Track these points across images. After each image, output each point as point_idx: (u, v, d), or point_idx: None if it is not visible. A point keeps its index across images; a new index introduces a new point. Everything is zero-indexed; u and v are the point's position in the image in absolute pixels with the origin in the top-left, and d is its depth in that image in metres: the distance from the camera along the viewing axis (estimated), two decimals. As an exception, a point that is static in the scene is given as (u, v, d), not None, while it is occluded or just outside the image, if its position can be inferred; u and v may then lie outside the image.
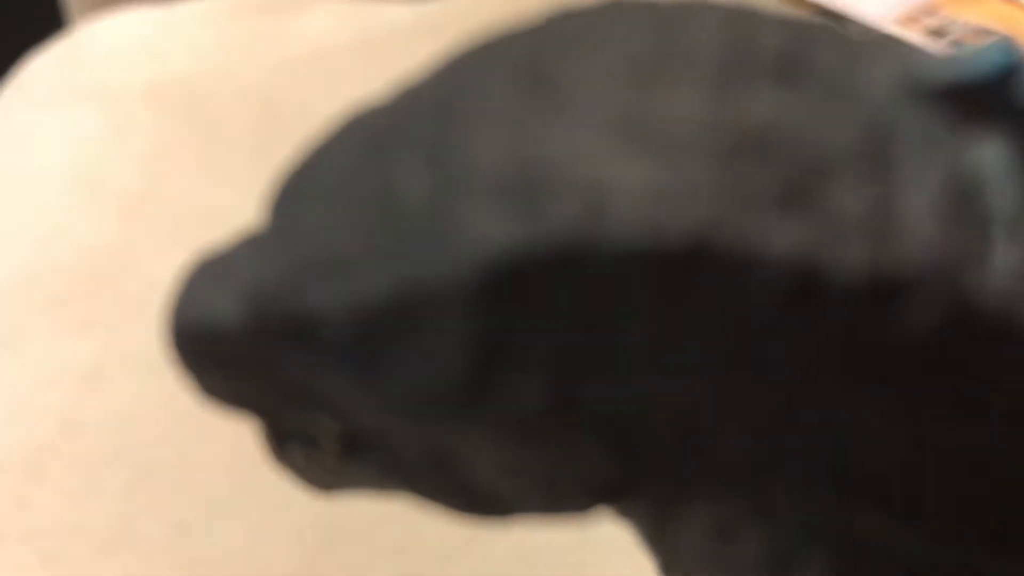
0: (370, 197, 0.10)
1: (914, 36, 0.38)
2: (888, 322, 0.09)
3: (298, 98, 0.40)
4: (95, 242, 0.34)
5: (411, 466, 0.11)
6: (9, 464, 0.27)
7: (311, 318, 0.10)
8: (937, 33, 0.39)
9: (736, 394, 0.10)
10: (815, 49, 0.10)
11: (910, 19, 0.39)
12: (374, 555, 0.27)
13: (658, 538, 0.12)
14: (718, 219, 0.09)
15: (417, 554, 0.27)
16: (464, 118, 0.10)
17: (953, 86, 0.09)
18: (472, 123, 0.10)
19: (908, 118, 0.09)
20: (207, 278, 0.11)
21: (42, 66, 0.40)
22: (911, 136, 0.09)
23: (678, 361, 0.10)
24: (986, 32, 0.38)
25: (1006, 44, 0.09)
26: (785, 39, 0.10)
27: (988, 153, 0.09)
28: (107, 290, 0.32)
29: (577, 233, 0.09)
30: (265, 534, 0.27)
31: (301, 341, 0.10)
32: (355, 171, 0.10)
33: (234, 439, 0.29)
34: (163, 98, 0.40)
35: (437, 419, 0.10)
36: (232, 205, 0.36)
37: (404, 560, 0.27)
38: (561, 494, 0.11)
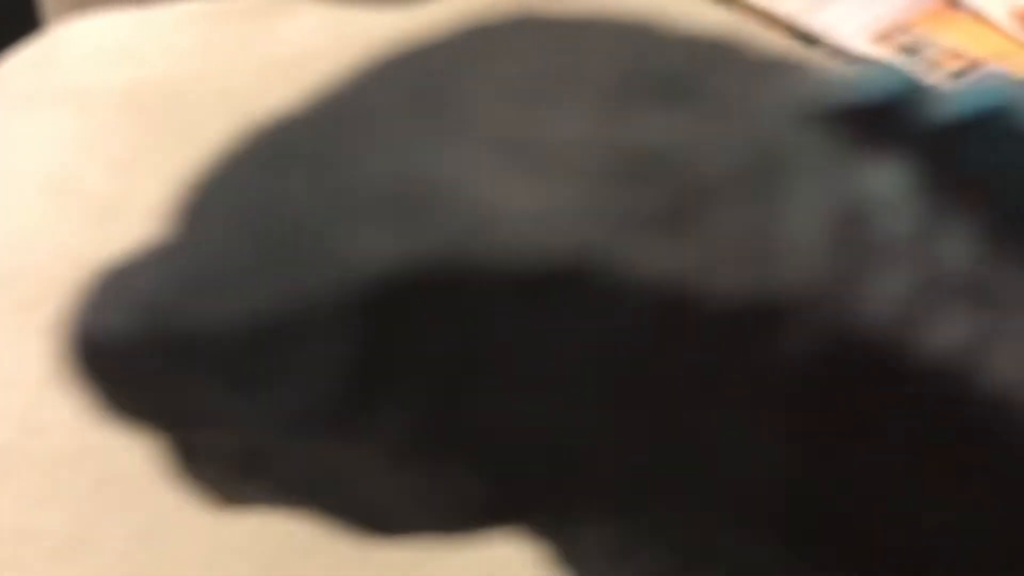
0: (265, 212, 0.10)
1: (888, 53, 0.38)
2: (767, 347, 0.09)
3: (277, 104, 0.40)
4: (69, 245, 0.34)
5: (302, 484, 0.11)
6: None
7: (198, 335, 0.10)
8: (910, 51, 0.39)
9: (614, 417, 0.10)
10: (711, 71, 0.10)
11: (884, 37, 0.39)
12: (336, 566, 0.27)
13: (561, 558, 0.12)
14: (595, 241, 0.09)
15: (379, 565, 0.27)
16: (358, 135, 0.10)
17: (849, 109, 0.09)
18: (364, 141, 0.10)
19: (800, 142, 0.09)
20: (107, 290, 0.11)
21: (16, 67, 0.40)
22: (801, 160, 0.09)
23: (553, 384, 0.10)
24: (957, 53, 0.39)
25: (899, 69, 0.09)
26: (682, 61, 0.10)
27: (880, 177, 0.09)
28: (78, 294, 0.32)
29: (456, 253, 0.09)
30: (226, 542, 0.26)
31: (189, 358, 0.10)
32: (253, 185, 0.11)
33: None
34: (140, 101, 0.39)
35: (315, 437, 0.10)
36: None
37: (366, 571, 0.27)
38: (442, 515, 0.11)
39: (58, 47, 0.41)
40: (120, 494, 0.27)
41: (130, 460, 0.28)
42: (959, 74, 0.42)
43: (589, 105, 0.10)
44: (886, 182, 0.09)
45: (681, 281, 0.09)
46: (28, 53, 0.40)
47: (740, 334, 0.09)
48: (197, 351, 0.10)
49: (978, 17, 0.39)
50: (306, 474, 0.11)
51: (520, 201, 0.09)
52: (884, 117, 0.09)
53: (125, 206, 0.35)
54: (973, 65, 0.39)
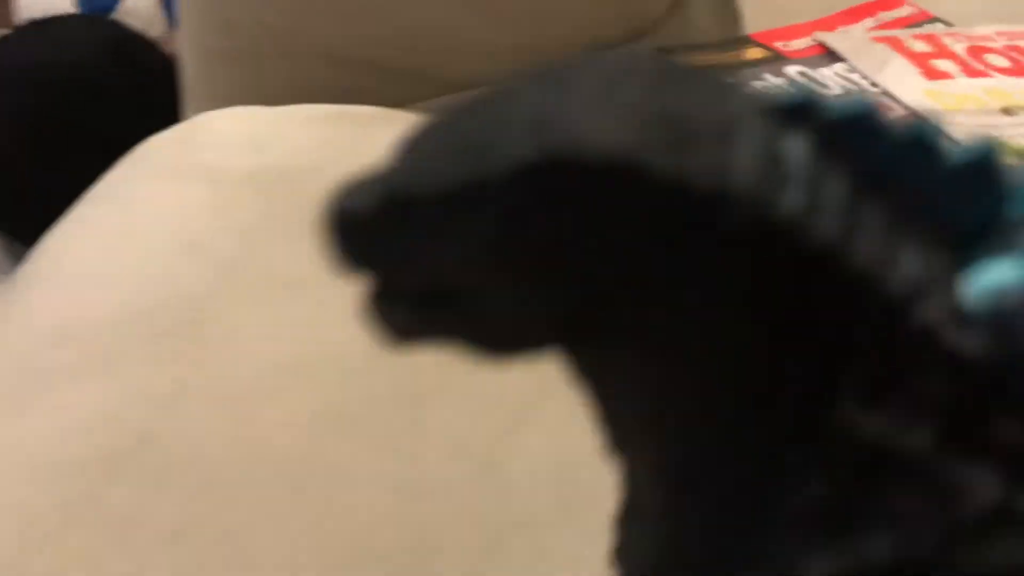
0: (450, 137, 0.16)
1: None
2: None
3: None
4: (190, 293, 0.38)
5: (463, 313, 0.16)
6: (85, 464, 0.31)
7: (413, 200, 0.16)
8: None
9: None
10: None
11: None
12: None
13: (601, 396, 0.15)
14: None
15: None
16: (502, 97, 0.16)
17: (782, 106, 0.15)
18: (507, 98, 0.16)
19: (756, 119, 0.15)
20: (354, 184, 0.16)
21: (159, 144, 0.46)
22: (753, 125, 0.15)
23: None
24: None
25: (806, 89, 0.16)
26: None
27: (793, 142, 0.15)
28: (195, 332, 0.36)
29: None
30: (302, 545, 0.29)
31: (406, 217, 0.16)
32: (441, 127, 0.16)
33: (287, 456, 0.31)
34: (263, 183, 0.44)
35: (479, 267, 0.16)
36: (315, 277, 0.39)
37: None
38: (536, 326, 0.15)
39: (197, 131, 0.46)
40: (218, 497, 0.30)
41: (230, 471, 0.31)
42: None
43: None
44: (794, 144, 0.15)
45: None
46: (171, 134, 0.46)
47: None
48: (411, 213, 0.16)
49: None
50: (468, 304, 0.16)
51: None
52: (801, 110, 0.15)
53: (244, 266, 0.39)
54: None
